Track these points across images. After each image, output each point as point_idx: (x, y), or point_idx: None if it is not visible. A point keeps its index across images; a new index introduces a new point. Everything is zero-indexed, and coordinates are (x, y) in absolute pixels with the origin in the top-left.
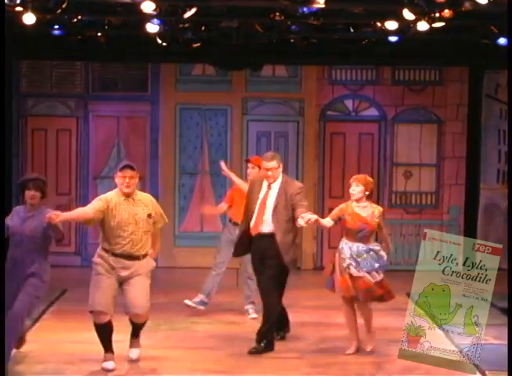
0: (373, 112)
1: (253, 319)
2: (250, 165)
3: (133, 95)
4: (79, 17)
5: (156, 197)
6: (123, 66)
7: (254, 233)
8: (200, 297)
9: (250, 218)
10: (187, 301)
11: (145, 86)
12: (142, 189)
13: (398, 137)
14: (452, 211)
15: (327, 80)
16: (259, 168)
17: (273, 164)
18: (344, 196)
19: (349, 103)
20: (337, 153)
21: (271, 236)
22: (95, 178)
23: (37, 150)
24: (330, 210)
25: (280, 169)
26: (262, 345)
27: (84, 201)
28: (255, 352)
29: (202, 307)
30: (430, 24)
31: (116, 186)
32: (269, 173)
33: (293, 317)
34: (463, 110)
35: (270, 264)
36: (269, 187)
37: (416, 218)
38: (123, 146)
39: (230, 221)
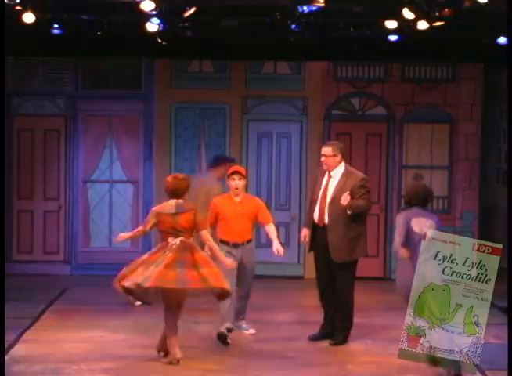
0: (380, 111)
1: (251, 334)
2: (236, 176)
3: (126, 93)
4: (79, 16)
5: (150, 201)
6: (115, 63)
7: (318, 223)
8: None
9: (314, 209)
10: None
11: (138, 83)
12: (136, 192)
13: (407, 137)
14: (466, 216)
15: (332, 77)
16: (244, 177)
17: (327, 150)
18: None
19: (356, 102)
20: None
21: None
22: (85, 181)
23: (23, 152)
24: None
25: (337, 158)
26: (341, 338)
27: (74, 206)
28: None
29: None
30: (430, 23)
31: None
32: (322, 158)
33: (293, 316)
34: (476, 110)
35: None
36: (330, 176)
37: None
38: (115, 148)
39: (221, 242)
